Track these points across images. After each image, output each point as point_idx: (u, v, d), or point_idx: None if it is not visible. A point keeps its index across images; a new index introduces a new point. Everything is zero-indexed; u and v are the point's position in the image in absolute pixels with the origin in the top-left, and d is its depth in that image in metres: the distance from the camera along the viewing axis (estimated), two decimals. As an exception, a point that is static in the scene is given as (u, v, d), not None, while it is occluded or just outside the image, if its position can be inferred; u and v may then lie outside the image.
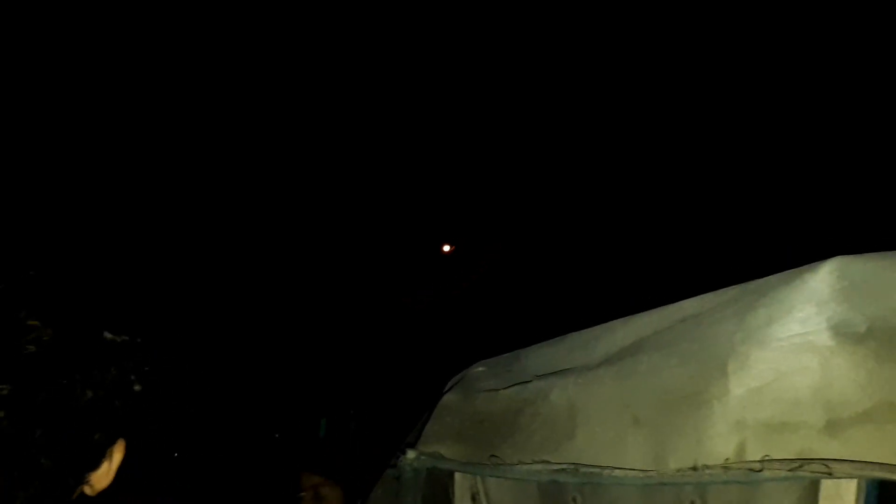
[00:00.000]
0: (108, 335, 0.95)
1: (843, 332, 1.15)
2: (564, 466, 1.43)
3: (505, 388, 1.70)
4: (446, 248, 13.77)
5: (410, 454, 1.72)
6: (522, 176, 11.42)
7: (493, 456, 1.59)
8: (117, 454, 0.97)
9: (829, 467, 1.13)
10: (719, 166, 9.78)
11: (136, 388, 0.96)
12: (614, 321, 1.65)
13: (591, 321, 1.75)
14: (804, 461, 1.15)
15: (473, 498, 1.99)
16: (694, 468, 1.25)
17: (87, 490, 0.94)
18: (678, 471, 1.27)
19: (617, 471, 1.36)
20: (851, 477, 1.15)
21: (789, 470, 1.15)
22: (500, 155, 11.30)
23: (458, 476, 1.97)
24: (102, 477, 0.95)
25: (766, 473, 1.17)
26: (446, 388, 1.98)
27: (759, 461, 1.18)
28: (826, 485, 1.24)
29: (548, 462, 1.47)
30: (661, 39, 9.41)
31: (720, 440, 1.24)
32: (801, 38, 8.65)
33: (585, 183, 11.06)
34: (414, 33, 9.95)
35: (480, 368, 1.94)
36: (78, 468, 0.91)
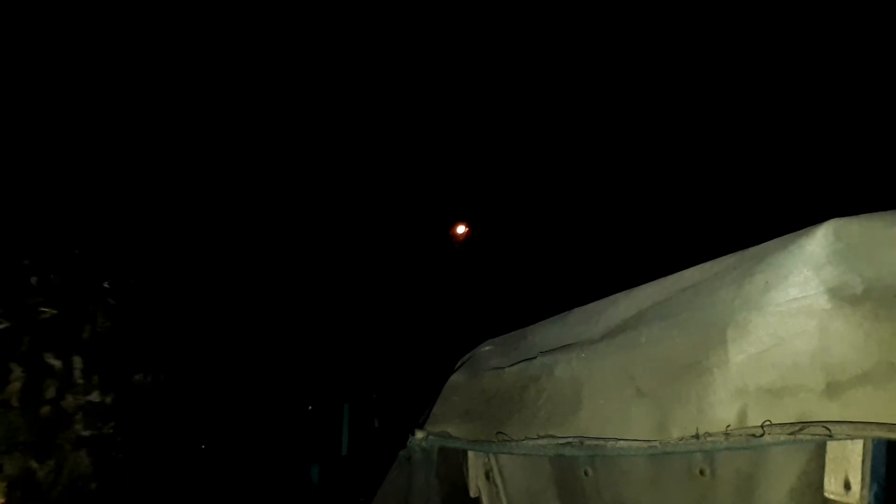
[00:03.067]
0: (149, 314, 0.91)
1: (839, 295, 1.15)
2: (570, 440, 1.45)
3: (511, 366, 1.71)
4: (461, 228, 13.74)
5: (419, 435, 1.74)
6: (520, 171, 11.39)
7: (500, 433, 1.60)
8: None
9: (829, 429, 1.13)
10: (713, 154, 9.70)
11: (165, 373, 0.92)
12: (616, 294, 1.65)
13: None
14: (805, 424, 1.15)
15: (487, 475, 2.02)
16: (696, 436, 1.26)
17: None
18: (681, 439, 1.28)
19: (621, 442, 1.37)
20: (853, 438, 1.16)
21: (790, 434, 1.16)
22: (492, 146, 11.28)
23: (471, 455, 1.99)
24: None
25: (768, 438, 1.18)
26: (455, 369, 1.99)
27: (760, 426, 1.18)
28: (832, 447, 1.25)
29: (553, 436, 1.48)
30: (654, 32, 9.32)
31: (721, 407, 1.25)
32: (793, 35, 8.55)
33: (581, 177, 11.03)
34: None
35: (488, 347, 1.95)
36: (125, 460, 0.88)
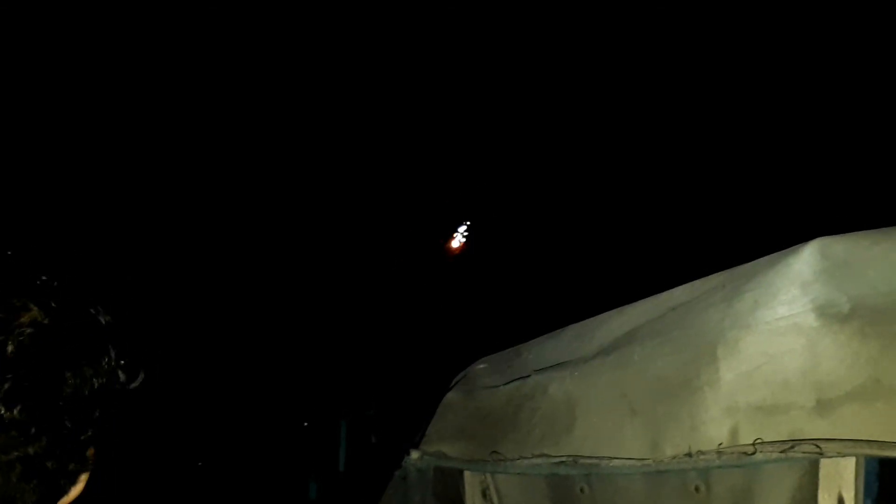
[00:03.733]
0: (94, 314, 0.83)
1: (827, 313, 1.16)
2: (564, 459, 1.45)
3: (505, 385, 1.72)
4: (455, 243, 13.75)
5: (414, 454, 1.74)
6: (515, 188, 11.42)
7: (494, 452, 1.61)
8: (91, 458, 0.85)
9: (819, 447, 1.15)
10: (704, 173, 9.74)
11: (122, 376, 0.84)
12: (609, 312, 1.66)
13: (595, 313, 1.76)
14: (795, 442, 1.16)
15: (484, 494, 2.01)
16: (689, 454, 1.26)
17: (64, 499, 0.82)
18: (674, 457, 1.29)
19: (615, 461, 1.37)
20: (843, 455, 1.16)
21: (781, 451, 1.17)
22: (487, 150, 11.29)
23: (467, 474, 1.99)
24: (82, 482, 0.84)
25: (759, 456, 1.19)
26: (450, 387, 2.00)
27: (751, 444, 1.19)
28: (825, 463, 1.25)
29: (548, 455, 1.49)
30: (650, 31, 9.38)
31: (713, 425, 1.26)
32: (790, 38, 8.62)
33: (571, 195, 11.06)
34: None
35: (482, 365, 1.96)
36: (75, 470, 0.81)
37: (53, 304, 0.78)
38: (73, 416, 0.78)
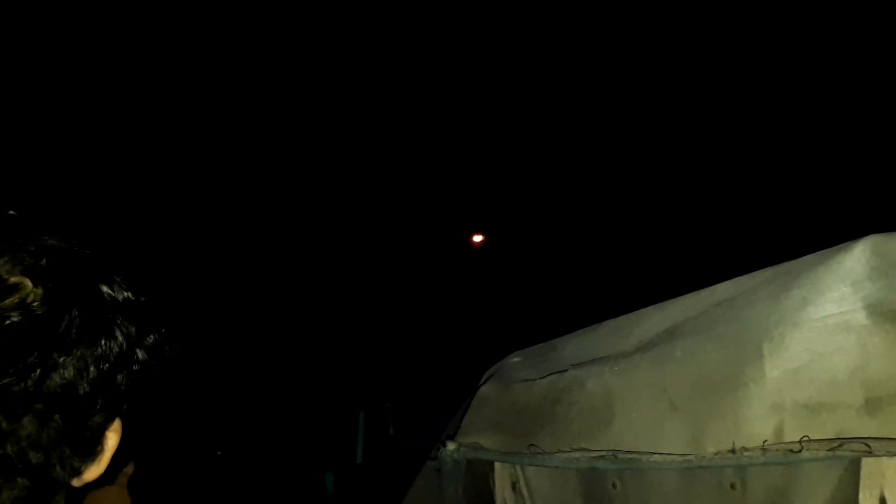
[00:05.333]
0: (106, 290, 0.75)
1: (879, 311, 1.15)
2: (603, 453, 1.45)
3: (541, 378, 1.72)
4: (477, 238, 13.75)
5: (450, 446, 1.75)
6: (545, 181, 11.37)
7: (532, 445, 1.61)
8: (113, 438, 0.80)
9: (868, 446, 1.14)
10: (743, 164, 9.62)
11: (141, 357, 0.78)
12: (648, 307, 1.65)
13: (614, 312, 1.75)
14: (843, 440, 1.15)
15: (514, 486, 2.02)
16: (732, 451, 1.26)
17: (75, 481, 0.78)
18: (716, 454, 1.28)
19: (655, 456, 1.37)
20: (892, 455, 1.15)
21: (829, 450, 1.16)
22: (511, 145, 11.26)
23: (498, 466, 2.00)
24: (95, 466, 0.79)
25: (806, 454, 1.18)
26: (483, 380, 2.00)
27: (798, 442, 1.19)
28: (867, 463, 1.24)
29: (586, 449, 1.48)
30: (663, 35, 9.30)
31: (758, 422, 1.25)
32: (801, 36, 8.51)
33: (607, 190, 10.97)
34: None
35: (516, 359, 1.96)
36: (72, 460, 0.75)
37: (50, 285, 0.70)
38: (70, 406, 0.72)
